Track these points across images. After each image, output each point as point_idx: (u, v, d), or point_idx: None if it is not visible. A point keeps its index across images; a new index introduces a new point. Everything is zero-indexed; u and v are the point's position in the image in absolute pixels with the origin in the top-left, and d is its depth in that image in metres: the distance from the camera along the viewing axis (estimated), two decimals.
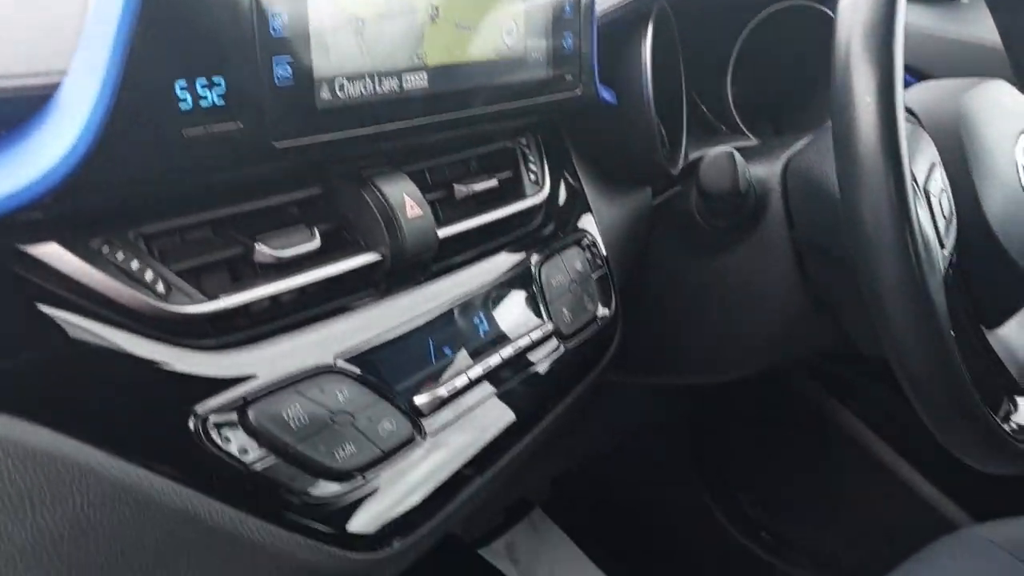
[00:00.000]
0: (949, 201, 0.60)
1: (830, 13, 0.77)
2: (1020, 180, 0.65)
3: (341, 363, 0.42)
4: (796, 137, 0.72)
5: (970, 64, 0.74)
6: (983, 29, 0.77)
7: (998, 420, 0.54)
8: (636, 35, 0.64)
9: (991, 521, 0.76)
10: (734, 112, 0.78)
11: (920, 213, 0.50)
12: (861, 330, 0.67)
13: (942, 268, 0.56)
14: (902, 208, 0.47)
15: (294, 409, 0.39)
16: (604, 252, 0.62)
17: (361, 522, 0.42)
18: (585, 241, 0.61)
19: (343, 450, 0.41)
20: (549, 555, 1.17)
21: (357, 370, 0.43)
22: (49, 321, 0.35)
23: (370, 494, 0.42)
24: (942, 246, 0.57)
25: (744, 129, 0.79)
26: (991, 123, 0.65)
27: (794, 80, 0.82)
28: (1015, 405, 0.59)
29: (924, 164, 0.59)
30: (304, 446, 0.39)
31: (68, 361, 0.35)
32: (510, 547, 1.16)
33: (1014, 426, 0.56)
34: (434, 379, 0.47)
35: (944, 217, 0.59)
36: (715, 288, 0.69)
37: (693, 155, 0.72)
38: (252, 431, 0.38)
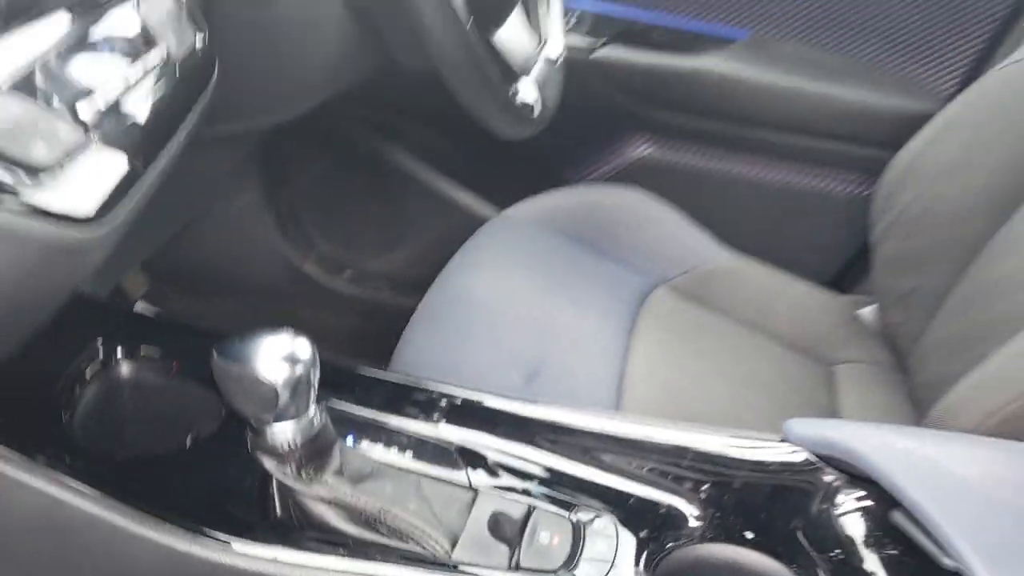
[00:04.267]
0: None
1: None
2: None
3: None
4: None
5: None
6: None
7: (511, 98, 0.79)
8: None
9: (510, 208, 1.06)
10: None
11: None
12: (403, 49, 0.80)
13: None
14: None
15: None
16: None
17: (75, 202, 0.49)
18: None
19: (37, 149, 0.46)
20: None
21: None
22: None
23: (71, 182, 0.49)
24: None
25: None
26: None
27: None
28: (517, 88, 0.82)
29: None
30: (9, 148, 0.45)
31: None
32: None
33: (520, 102, 0.81)
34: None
35: None
36: (271, 27, 0.74)
37: None
38: None
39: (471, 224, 1.03)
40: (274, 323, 0.54)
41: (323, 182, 1.29)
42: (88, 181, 0.49)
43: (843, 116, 1.11)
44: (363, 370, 0.67)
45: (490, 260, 0.96)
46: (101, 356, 0.67)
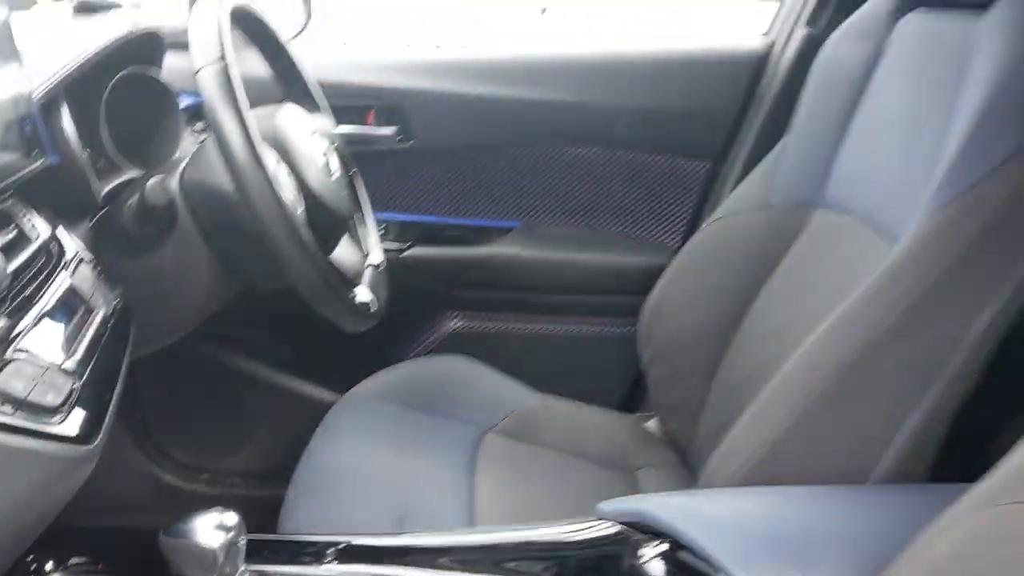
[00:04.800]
0: (291, 178, 0.94)
1: (161, 80, 1.10)
2: (322, 161, 1.00)
3: None
4: (167, 164, 1.01)
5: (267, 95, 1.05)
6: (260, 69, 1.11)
7: (353, 300, 0.97)
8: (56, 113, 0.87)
9: (356, 387, 1.22)
10: (116, 152, 1.01)
11: (283, 189, 0.86)
12: (260, 272, 0.99)
13: (301, 215, 0.92)
14: (272, 188, 0.83)
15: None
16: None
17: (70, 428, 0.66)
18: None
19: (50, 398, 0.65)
20: None
21: None
22: None
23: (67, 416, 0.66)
24: (299, 204, 0.93)
25: (128, 163, 1.03)
26: (299, 128, 1.00)
27: (147, 123, 1.09)
28: (355, 292, 0.99)
29: (272, 161, 0.91)
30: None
31: None
32: None
33: (360, 302, 0.99)
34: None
35: (294, 189, 0.94)
36: (154, 276, 0.93)
37: (108, 186, 0.95)
38: None
39: (316, 410, 1.18)
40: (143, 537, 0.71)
41: (171, 395, 1.38)
42: (78, 414, 0.65)
43: (603, 275, 1.43)
44: (263, 536, 0.82)
45: (345, 435, 1.12)
46: (34, 568, 0.77)
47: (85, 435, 0.66)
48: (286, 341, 1.45)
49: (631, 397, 1.46)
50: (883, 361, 0.78)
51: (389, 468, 1.07)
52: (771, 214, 1.10)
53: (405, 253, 1.42)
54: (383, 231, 1.41)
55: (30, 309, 0.66)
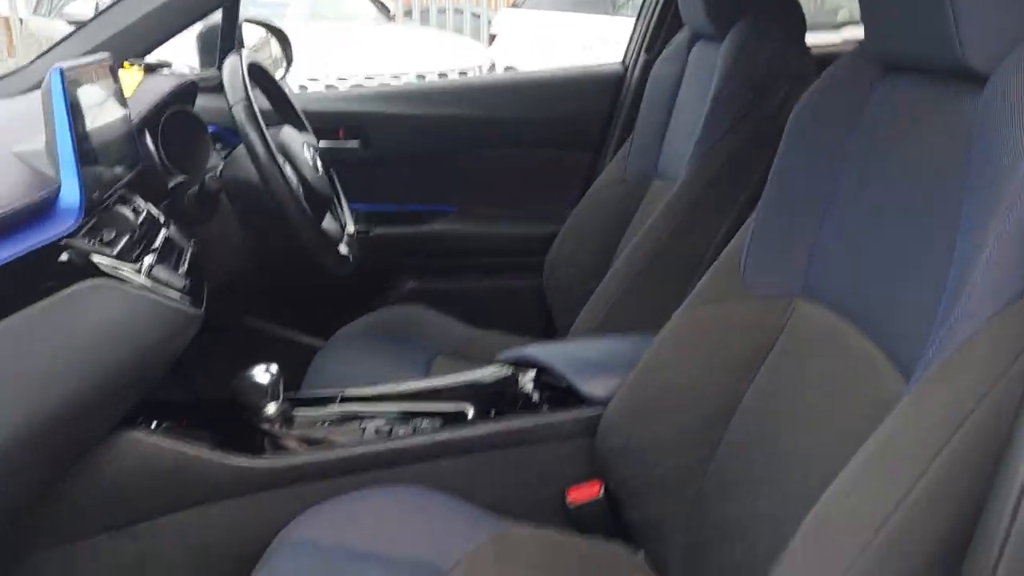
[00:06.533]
0: (292, 173, 1.37)
1: (197, 114, 1.52)
2: (311, 162, 1.44)
3: None
4: (201, 172, 1.44)
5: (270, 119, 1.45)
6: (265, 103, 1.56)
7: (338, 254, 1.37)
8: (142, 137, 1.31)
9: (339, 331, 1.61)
10: (167, 162, 1.38)
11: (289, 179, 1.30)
12: (275, 237, 1.40)
13: (301, 196, 1.33)
14: (284, 178, 1.27)
15: None
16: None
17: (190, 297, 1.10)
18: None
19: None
20: None
21: None
22: None
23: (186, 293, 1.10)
24: (299, 189, 1.34)
25: (176, 170, 1.41)
26: (295, 140, 1.45)
27: (186, 144, 1.48)
28: (339, 249, 1.42)
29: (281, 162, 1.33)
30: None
31: None
32: None
33: (342, 254, 1.41)
34: None
35: (295, 179, 1.36)
36: (202, 243, 1.30)
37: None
38: None
39: (308, 353, 1.58)
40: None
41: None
42: (191, 293, 1.11)
43: (516, 240, 1.94)
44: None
45: (332, 364, 1.49)
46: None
47: (197, 304, 1.10)
48: (285, 303, 1.93)
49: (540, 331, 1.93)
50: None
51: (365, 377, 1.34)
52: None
53: (372, 233, 1.92)
54: (354, 217, 1.91)
55: (152, 245, 1.13)
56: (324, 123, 1.85)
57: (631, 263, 1.37)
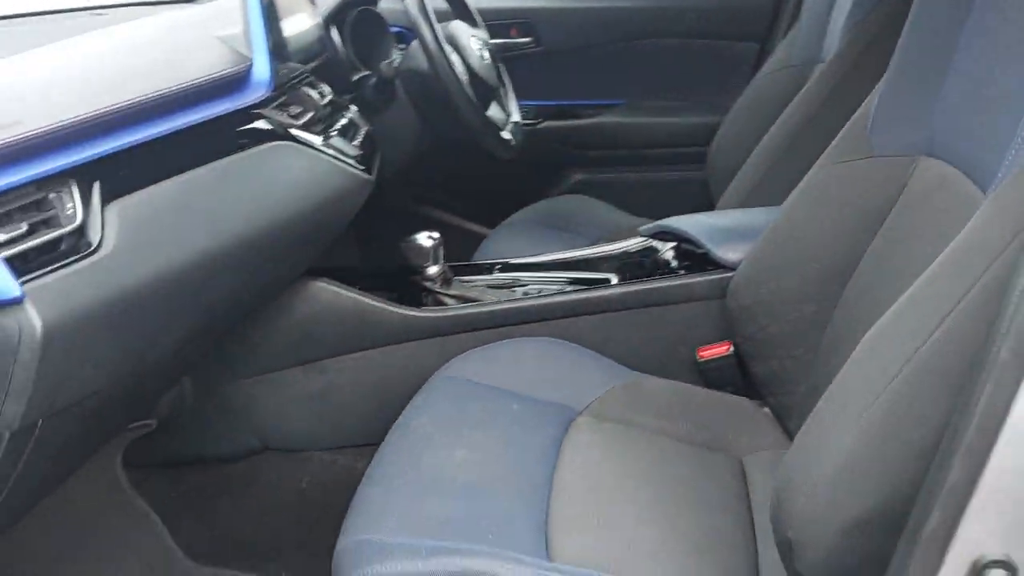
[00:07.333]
0: (461, 63, 1.49)
1: (380, 14, 1.65)
2: (478, 53, 1.54)
3: None
4: (383, 66, 1.57)
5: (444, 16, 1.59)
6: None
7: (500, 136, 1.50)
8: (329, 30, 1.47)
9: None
10: (354, 56, 1.52)
11: (456, 68, 1.42)
12: (443, 124, 1.52)
13: (468, 84, 1.44)
14: (451, 67, 1.40)
15: None
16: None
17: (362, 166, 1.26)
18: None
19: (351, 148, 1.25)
20: None
21: None
22: None
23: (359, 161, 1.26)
24: (465, 77, 1.45)
25: (361, 64, 1.55)
26: (464, 33, 1.56)
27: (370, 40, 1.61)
28: (503, 134, 1.54)
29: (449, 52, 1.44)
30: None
31: None
32: None
33: (505, 138, 1.53)
34: None
35: (463, 69, 1.47)
36: (381, 128, 1.44)
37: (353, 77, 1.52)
38: None
39: (470, 239, 1.76)
40: None
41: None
42: (362, 162, 1.27)
43: (681, 131, 1.96)
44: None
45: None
46: None
47: (368, 170, 1.25)
48: (456, 194, 2.08)
49: None
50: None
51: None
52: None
53: (540, 126, 2.02)
54: (525, 112, 1.98)
55: (335, 125, 1.30)
56: (498, 18, 1.96)
57: (776, 140, 1.37)
